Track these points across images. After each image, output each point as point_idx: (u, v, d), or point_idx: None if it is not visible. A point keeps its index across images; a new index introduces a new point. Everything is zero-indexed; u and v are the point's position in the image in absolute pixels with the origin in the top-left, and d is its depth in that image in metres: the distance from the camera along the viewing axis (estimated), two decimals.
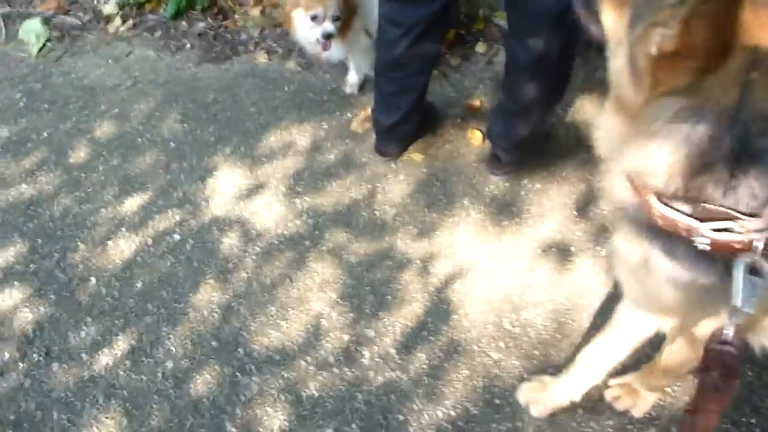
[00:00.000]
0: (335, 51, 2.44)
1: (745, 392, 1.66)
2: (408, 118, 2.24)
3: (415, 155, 2.37)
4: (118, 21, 2.96)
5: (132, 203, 2.26)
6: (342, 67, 2.67)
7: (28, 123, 2.59)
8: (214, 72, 2.74)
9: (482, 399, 1.71)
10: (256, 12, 2.94)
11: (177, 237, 2.15)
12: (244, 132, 2.48)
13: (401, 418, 1.69)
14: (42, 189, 2.34)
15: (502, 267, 1.99)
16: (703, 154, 0.75)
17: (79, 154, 2.45)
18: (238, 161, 2.38)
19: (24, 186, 2.36)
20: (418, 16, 1.93)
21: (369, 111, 2.50)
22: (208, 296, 1.98)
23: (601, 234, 2.05)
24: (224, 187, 2.30)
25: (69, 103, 2.65)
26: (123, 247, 2.14)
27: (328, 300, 1.95)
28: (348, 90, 2.63)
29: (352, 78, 2.63)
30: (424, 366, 1.78)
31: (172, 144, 2.45)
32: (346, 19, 2.34)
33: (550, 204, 2.16)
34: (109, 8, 3.00)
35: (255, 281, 2.01)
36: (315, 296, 1.96)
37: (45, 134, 2.53)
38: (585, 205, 2.14)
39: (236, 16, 2.94)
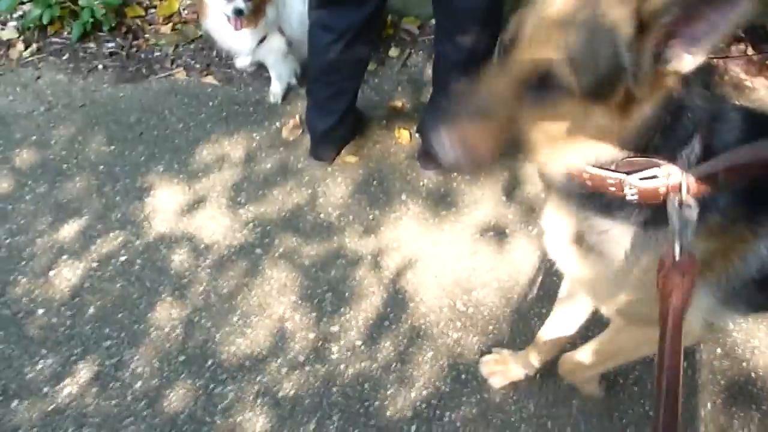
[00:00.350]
0: (247, 42, 2.47)
1: None
2: (343, 121, 2.34)
3: (349, 158, 2.47)
4: (20, 46, 2.85)
5: (69, 230, 2.21)
6: (263, 79, 2.73)
7: None
8: (132, 92, 2.71)
9: (450, 376, 1.83)
10: (166, 29, 2.93)
11: (123, 258, 2.13)
12: (174, 149, 2.48)
13: (378, 404, 1.78)
14: None
15: (447, 253, 2.14)
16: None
17: (2, 185, 2.36)
18: (174, 178, 2.38)
19: None
20: (350, 20, 2.02)
21: (297, 118, 2.59)
22: (167, 313, 1.99)
23: (530, 214, 2.24)
24: (164, 204, 2.29)
25: None
26: (67, 275, 2.09)
27: (289, 303, 2.01)
28: (272, 100, 2.69)
29: (275, 88, 2.68)
30: (391, 353, 1.89)
31: (101, 167, 2.41)
32: (258, 3, 2.38)
33: (481, 192, 2.32)
34: (7, 33, 2.88)
35: (212, 293, 2.04)
36: (275, 301, 2.02)
37: None
38: (512, 190, 2.32)
39: (146, 35, 2.91)
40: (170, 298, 2.03)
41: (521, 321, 1.94)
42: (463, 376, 1.83)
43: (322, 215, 2.27)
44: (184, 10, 3.03)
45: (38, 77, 2.76)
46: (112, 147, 2.49)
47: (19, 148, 2.47)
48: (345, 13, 2.01)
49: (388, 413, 1.77)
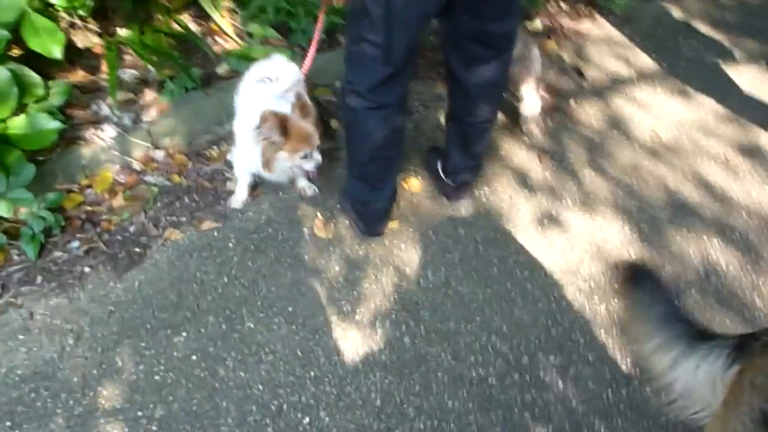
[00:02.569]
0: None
1: None
2: (394, 192, 2.56)
3: (392, 224, 2.69)
4: None
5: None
6: (254, 204, 2.76)
7: None
8: (145, 274, 2.48)
9: None
10: (119, 201, 2.69)
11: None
12: (243, 301, 2.41)
13: None
14: None
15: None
16: None
17: None
18: (281, 326, 2.34)
19: None
20: (397, 93, 2.26)
21: (319, 215, 2.70)
22: None
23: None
24: (285, 354, 2.28)
25: None
26: None
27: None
28: (310, 193, 2.82)
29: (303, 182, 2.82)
30: None
31: (194, 357, 2.23)
32: None
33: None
34: None
35: None
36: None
37: None
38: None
39: (103, 217, 2.65)
40: None
41: None
42: None
43: (432, 278, 2.50)
44: (119, 175, 2.79)
45: (30, 315, 2.35)
46: (184, 334, 2.30)
47: (97, 387, 2.16)
48: (393, 89, 2.22)
49: None
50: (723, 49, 4.04)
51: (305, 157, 2.39)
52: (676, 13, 4.40)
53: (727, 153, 3.18)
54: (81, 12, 2.69)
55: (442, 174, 2.77)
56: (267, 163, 2.39)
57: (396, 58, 2.08)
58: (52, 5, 2.53)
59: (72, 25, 3.05)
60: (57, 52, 2.44)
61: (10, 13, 2.43)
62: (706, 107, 3.51)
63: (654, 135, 3.27)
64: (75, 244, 2.57)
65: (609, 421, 2.09)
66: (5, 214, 2.41)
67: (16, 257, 2.51)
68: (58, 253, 2.53)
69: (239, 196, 2.76)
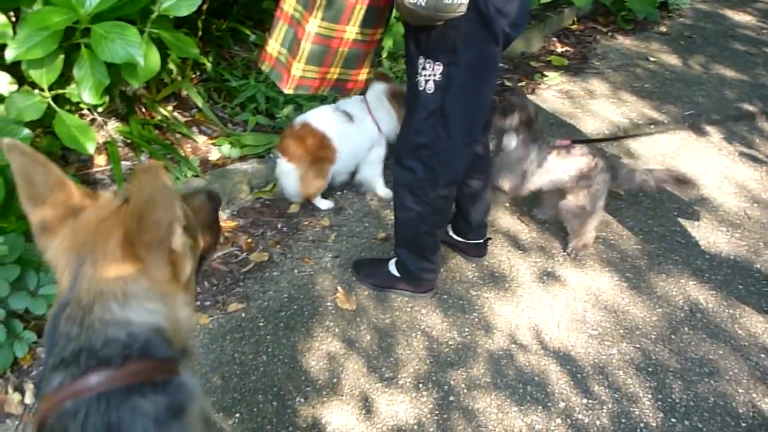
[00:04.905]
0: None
1: None
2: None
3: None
4: None
5: None
6: (271, 283, 2.85)
7: None
8: None
9: None
10: None
11: None
12: (288, 376, 2.49)
13: None
14: None
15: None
16: None
17: None
18: (334, 398, 2.43)
19: None
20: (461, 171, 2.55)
21: (339, 288, 2.83)
22: None
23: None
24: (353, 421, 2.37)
25: None
26: None
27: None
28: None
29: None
30: None
31: None
32: None
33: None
34: None
35: None
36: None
37: None
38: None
39: None
40: None
41: None
42: None
43: (459, 338, 2.67)
44: None
45: None
46: (237, 416, 2.34)
47: None
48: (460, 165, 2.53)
49: None
50: (650, 113, 4.59)
51: None
52: (603, 85, 4.96)
53: (680, 204, 3.61)
54: (100, 109, 2.75)
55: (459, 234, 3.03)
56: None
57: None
58: (76, 104, 2.59)
59: None
60: (90, 147, 2.49)
61: (33, 113, 2.47)
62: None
63: (614, 192, 3.67)
64: None
65: None
66: (40, 312, 2.38)
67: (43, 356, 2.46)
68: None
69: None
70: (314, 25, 2.13)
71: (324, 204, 3.40)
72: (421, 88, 2.26)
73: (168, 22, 2.83)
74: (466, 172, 2.62)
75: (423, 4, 1.93)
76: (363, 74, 2.44)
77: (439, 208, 2.56)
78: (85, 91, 2.46)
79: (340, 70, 2.33)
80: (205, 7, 3.63)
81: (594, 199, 2.99)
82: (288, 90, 2.28)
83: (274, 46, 2.30)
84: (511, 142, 2.94)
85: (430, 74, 2.24)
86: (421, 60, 2.22)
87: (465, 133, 2.40)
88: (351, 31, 2.21)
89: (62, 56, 2.49)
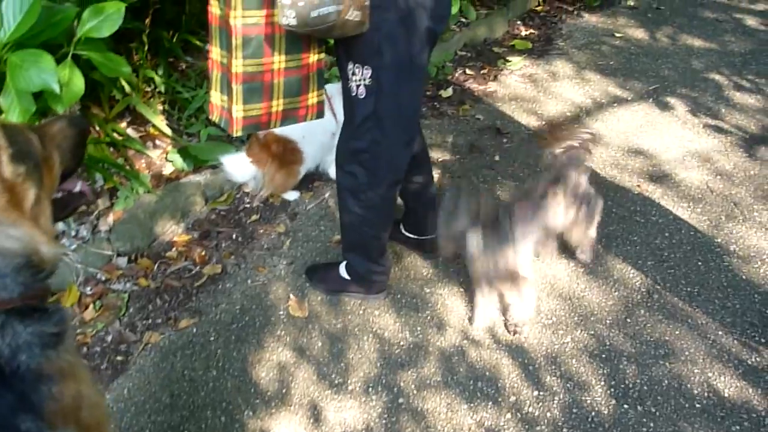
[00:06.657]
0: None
1: None
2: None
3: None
4: None
5: None
6: (223, 295, 2.84)
7: None
8: (133, 381, 2.50)
9: None
10: (90, 314, 2.71)
11: None
12: (237, 389, 2.48)
13: None
14: None
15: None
16: None
17: None
18: (281, 410, 2.43)
19: None
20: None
21: (291, 296, 2.82)
22: None
23: None
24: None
25: None
26: None
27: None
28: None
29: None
30: None
31: None
32: None
33: None
34: None
35: None
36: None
37: None
38: None
39: (78, 332, 2.65)
40: None
41: None
42: None
43: (410, 338, 2.65)
44: (85, 287, 2.81)
45: None
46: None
47: None
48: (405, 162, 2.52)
49: None
50: (614, 91, 4.53)
51: None
52: (567, 65, 4.90)
53: (640, 183, 3.57)
54: None
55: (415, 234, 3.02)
56: None
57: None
58: None
59: None
60: None
61: None
62: (613, 145, 3.92)
63: None
64: None
65: None
66: None
67: None
68: None
69: None
70: (238, 65, 2.11)
71: (292, 195, 3.49)
72: (354, 94, 2.25)
73: (100, 42, 2.81)
74: (408, 170, 2.60)
75: (294, 23, 1.92)
76: (312, 98, 2.37)
77: (382, 210, 2.55)
78: (14, 119, 2.45)
79: (285, 100, 2.28)
80: (147, 21, 3.61)
81: (589, 212, 2.82)
82: (236, 133, 2.28)
83: (215, 95, 2.31)
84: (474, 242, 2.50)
85: (360, 79, 2.22)
86: (350, 65, 2.20)
87: (402, 133, 2.38)
88: (279, 60, 2.17)
89: None
